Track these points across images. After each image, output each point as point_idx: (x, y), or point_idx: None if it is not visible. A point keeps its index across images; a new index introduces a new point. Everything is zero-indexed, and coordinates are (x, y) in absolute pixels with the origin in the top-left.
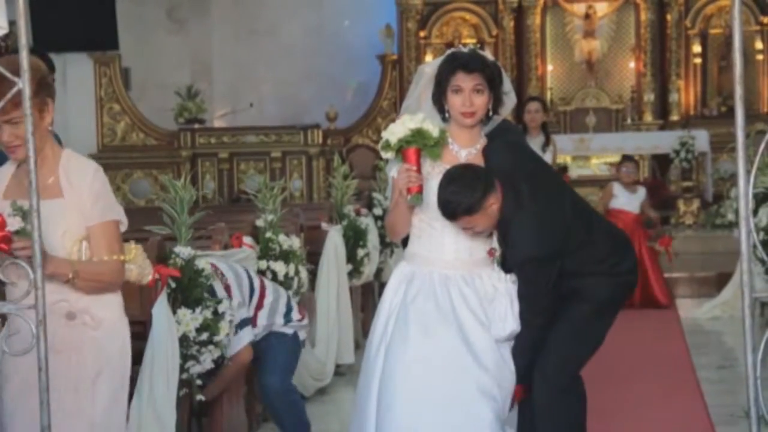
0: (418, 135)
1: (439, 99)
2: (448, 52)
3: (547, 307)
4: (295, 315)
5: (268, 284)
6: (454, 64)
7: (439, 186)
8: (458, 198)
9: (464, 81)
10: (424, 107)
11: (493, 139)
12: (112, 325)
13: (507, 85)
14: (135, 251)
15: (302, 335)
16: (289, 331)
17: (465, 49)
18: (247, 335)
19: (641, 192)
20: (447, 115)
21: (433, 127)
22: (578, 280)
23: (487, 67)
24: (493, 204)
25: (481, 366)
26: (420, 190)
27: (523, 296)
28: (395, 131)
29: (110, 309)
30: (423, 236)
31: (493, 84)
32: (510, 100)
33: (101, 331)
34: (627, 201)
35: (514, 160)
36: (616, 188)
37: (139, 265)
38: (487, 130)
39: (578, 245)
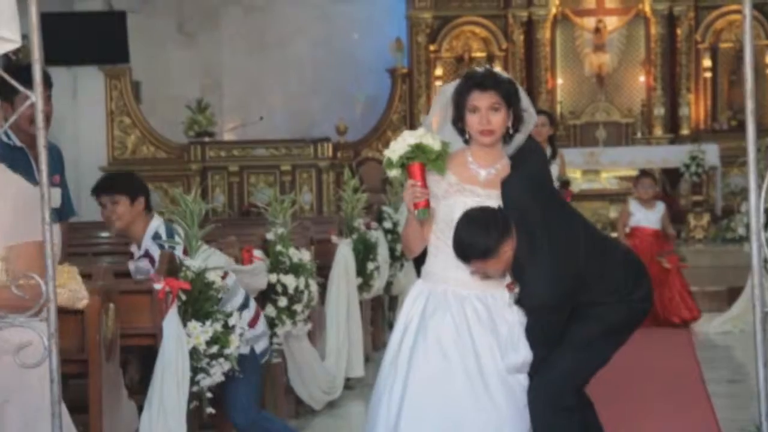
0: (419, 150)
1: (458, 122)
2: (464, 73)
3: (551, 347)
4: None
5: (228, 280)
6: (469, 83)
7: (456, 224)
8: (474, 241)
9: (480, 100)
10: (445, 127)
11: (515, 168)
12: (32, 350)
13: (525, 102)
14: (66, 275)
15: (260, 347)
16: (244, 350)
17: (480, 69)
18: None
19: (660, 207)
20: (467, 136)
21: (433, 140)
22: (590, 309)
23: (503, 84)
24: (508, 251)
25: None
26: (427, 205)
27: (529, 335)
28: (396, 149)
29: (31, 332)
30: (439, 254)
31: (511, 101)
32: (530, 117)
33: (18, 356)
34: (644, 216)
35: (530, 199)
36: (633, 205)
37: (70, 290)
38: (511, 150)
39: (592, 281)
